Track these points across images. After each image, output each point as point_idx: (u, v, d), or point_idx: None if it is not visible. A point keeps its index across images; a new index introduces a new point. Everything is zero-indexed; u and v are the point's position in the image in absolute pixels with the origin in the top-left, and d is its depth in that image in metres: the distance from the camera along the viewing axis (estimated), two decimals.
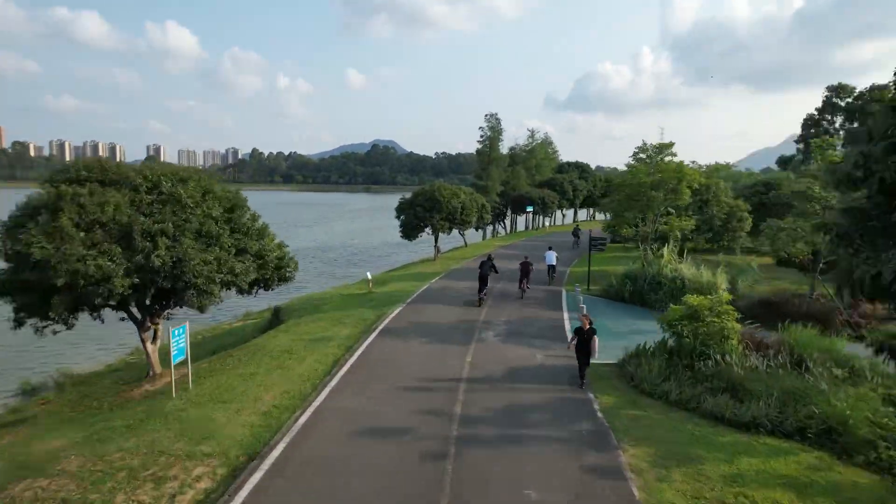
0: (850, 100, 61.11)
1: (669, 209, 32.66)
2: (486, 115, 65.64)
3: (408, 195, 42.85)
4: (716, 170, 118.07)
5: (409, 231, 40.88)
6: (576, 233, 53.31)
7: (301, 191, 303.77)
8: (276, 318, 26.69)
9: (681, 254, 31.27)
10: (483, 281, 25.90)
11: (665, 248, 27.66)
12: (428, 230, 41.29)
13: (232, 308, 33.86)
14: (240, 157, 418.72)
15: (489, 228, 68.42)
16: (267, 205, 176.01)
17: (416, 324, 21.59)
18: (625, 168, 37.40)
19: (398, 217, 41.80)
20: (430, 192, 40.52)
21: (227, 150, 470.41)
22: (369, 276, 29.06)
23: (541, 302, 26.60)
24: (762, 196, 39.80)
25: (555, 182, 72.01)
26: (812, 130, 63.94)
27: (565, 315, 23.68)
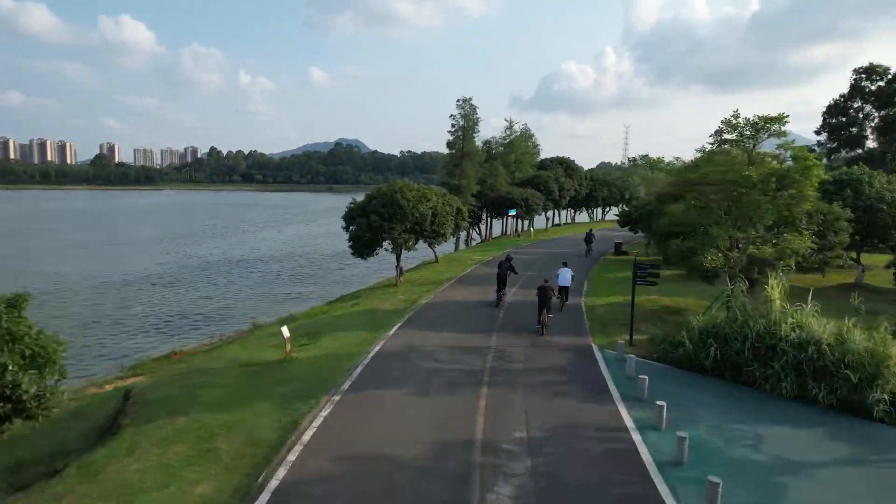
0: (882, 83, 52.02)
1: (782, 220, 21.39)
2: (458, 101, 54.71)
3: (361, 197, 31.63)
4: None
5: (362, 247, 29.66)
6: (589, 238, 44.04)
7: (261, 190, 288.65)
8: (123, 409, 15.23)
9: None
10: (502, 281, 25.21)
11: (773, 285, 16.76)
12: (387, 245, 30.05)
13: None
14: (199, 156, 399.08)
15: (462, 235, 57.55)
16: (216, 206, 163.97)
17: (350, 459, 10.55)
18: (671, 159, 26.77)
19: (346, 228, 30.48)
20: (390, 195, 29.36)
21: (185, 149, 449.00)
22: (286, 334, 17.78)
23: (570, 374, 15.88)
24: (832, 196, 29.85)
25: (538, 180, 61.55)
26: (836, 119, 54.71)
27: (624, 414, 12.98)
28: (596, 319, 22.91)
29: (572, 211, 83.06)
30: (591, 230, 48.00)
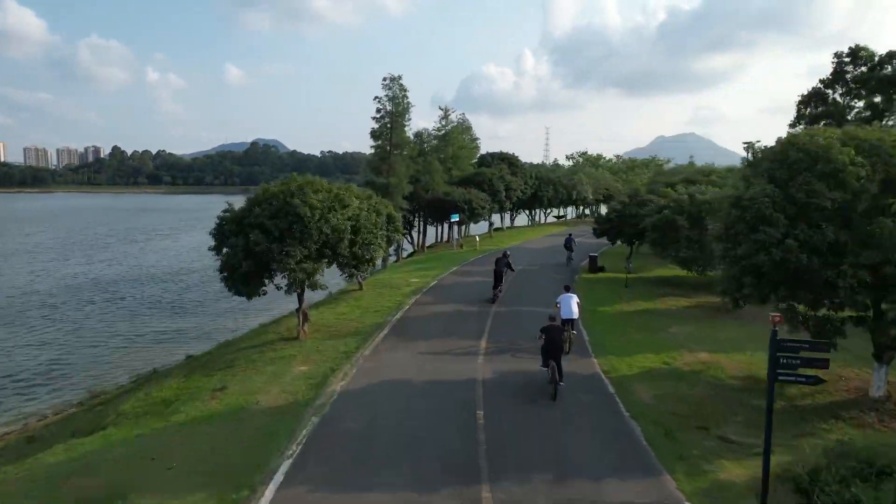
0: (864, 69, 45.37)
1: None
2: (384, 80, 43.67)
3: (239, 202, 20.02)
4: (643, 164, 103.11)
5: (237, 283, 18.10)
6: (569, 244, 36.97)
7: (169, 193, 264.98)
8: None
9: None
10: (498, 277, 24.99)
11: None
12: (281, 278, 18.61)
13: None
14: (102, 156, 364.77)
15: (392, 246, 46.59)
16: (109, 211, 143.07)
17: None
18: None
19: (216, 250, 18.85)
20: (283, 199, 17.95)
21: (86, 149, 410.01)
22: None
23: None
24: None
25: (481, 178, 51.48)
26: (813, 110, 47.70)
27: None
28: (645, 416, 12.74)
29: (512, 214, 73.81)
30: (570, 234, 39.40)
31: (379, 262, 18.66)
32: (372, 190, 41.72)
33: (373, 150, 45.01)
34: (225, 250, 18.26)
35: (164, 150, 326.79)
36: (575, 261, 36.69)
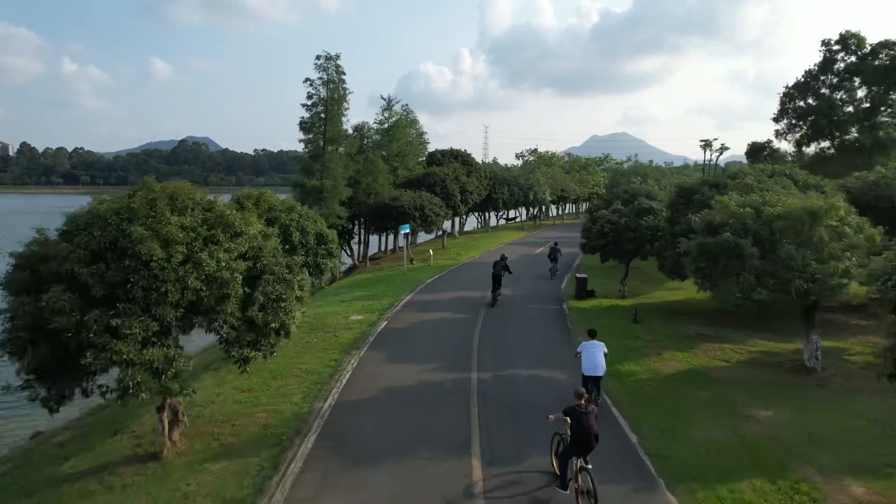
0: (853, 58, 40.59)
1: None
2: (317, 59, 35.33)
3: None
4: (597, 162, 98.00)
5: (34, 381, 9.71)
6: (554, 255, 33.11)
7: (88, 193, 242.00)
8: None
9: None
10: (497, 281, 24.89)
11: None
12: (110, 379, 10.26)
13: None
14: (10, 153, 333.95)
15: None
16: None
17: None
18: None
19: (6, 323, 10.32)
20: (113, 227, 9.69)
21: None
22: None
23: None
24: None
25: (432, 179, 43.80)
26: (802, 102, 42.64)
27: None
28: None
29: (461, 218, 66.34)
30: (555, 243, 34.78)
31: (293, 326, 11.41)
32: (303, 194, 33.52)
33: (304, 146, 36.51)
34: (8, 325, 9.84)
35: (81, 148, 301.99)
36: (561, 271, 33.19)
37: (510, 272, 26.04)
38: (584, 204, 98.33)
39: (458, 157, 53.39)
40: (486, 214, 66.36)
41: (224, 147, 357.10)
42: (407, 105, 51.18)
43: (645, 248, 25.90)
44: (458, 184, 45.57)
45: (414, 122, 51.33)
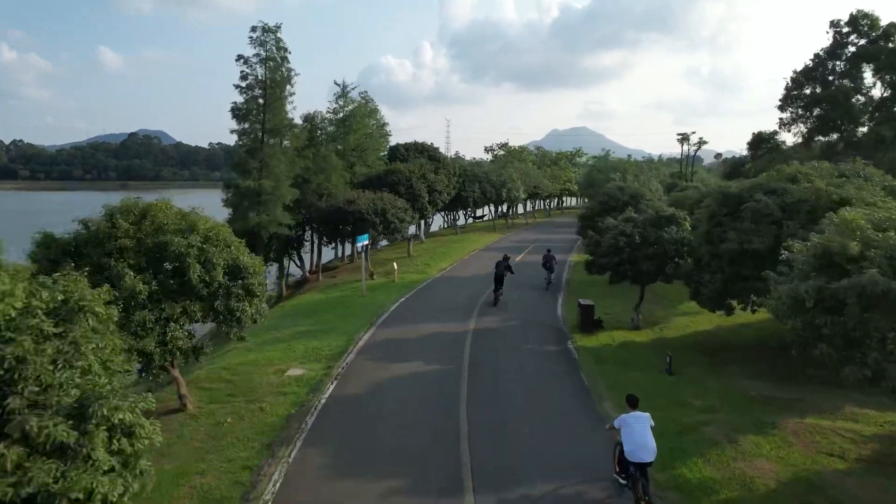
0: (864, 41, 35.99)
1: None
2: (252, 31, 28.57)
3: None
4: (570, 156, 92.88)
5: None
6: (549, 263, 29.21)
7: (25, 189, 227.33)
8: None
9: None
10: (499, 281, 24.60)
11: None
12: None
13: None
14: None
15: (273, 272, 31.93)
16: None
17: None
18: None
19: None
20: None
21: None
22: None
23: None
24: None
25: (396, 178, 37.43)
26: (811, 89, 37.90)
27: None
28: None
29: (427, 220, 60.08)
30: (549, 250, 30.09)
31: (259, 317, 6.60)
32: (238, 197, 26.99)
33: (238, 138, 29.66)
34: None
35: (21, 141, 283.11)
36: (555, 282, 29.50)
37: (512, 272, 25.57)
38: (555, 201, 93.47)
39: (424, 152, 47.13)
40: (455, 214, 60.33)
41: (179, 140, 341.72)
42: (366, 93, 44.69)
43: (668, 268, 20.29)
44: (426, 182, 39.38)
45: (374, 111, 44.81)
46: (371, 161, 42.52)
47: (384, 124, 45.94)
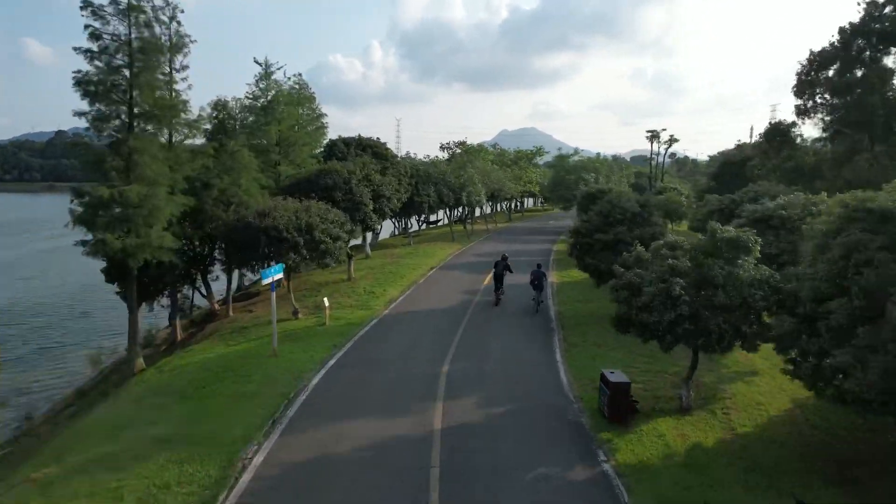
0: None
1: None
2: None
3: None
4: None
5: None
6: (539, 281, 23.71)
7: None
8: None
9: None
10: (499, 280, 24.55)
11: None
12: None
13: None
14: None
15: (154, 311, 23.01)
16: None
17: None
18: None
19: None
20: None
21: None
22: None
23: None
24: None
25: (330, 181, 28.72)
26: (819, 75, 31.48)
27: None
28: None
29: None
30: (539, 265, 24.83)
31: None
32: (89, 211, 18.15)
33: (89, 125, 20.43)
34: None
35: None
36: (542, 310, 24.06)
37: (511, 271, 25.26)
38: (515, 203, 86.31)
39: (370, 149, 38.59)
40: (406, 220, 51.90)
41: None
42: (300, 76, 35.83)
43: (752, 326, 12.66)
44: (370, 186, 30.89)
45: (307, 98, 35.95)
46: (302, 159, 33.70)
47: (320, 115, 37.16)
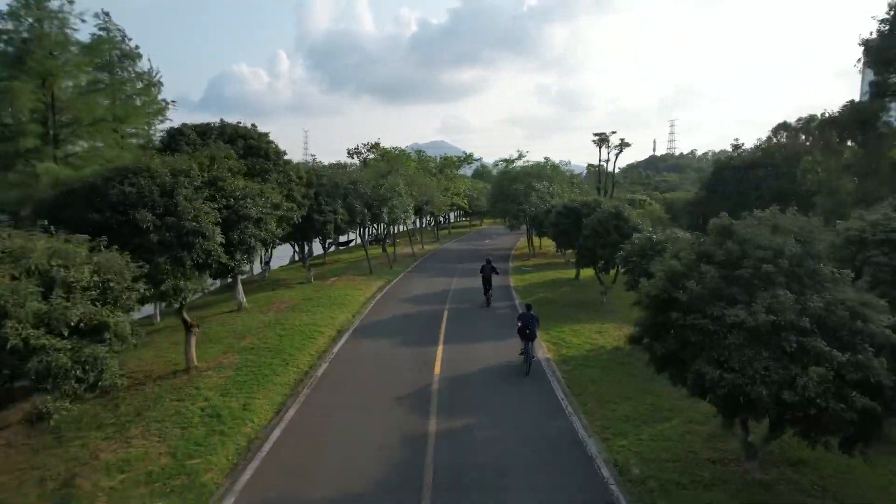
0: None
1: None
2: None
3: None
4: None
5: None
6: (530, 327, 16.53)
7: None
8: None
9: None
10: (487, 282, 25.52)
11: None
12: None
13: None
14: None
15: None
16: None
17: None
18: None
19: None
20: None
21: None
22: None
23: None
24: None
25: (132, 191, 14.23)
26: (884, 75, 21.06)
27: None
28: None
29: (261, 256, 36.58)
30: (529, 307, 18.05)
31: None
32: None
33: None
34: None
35: None
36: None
37: (497, 273, 26.43)
38: (439, 217, 73.56)
39: (240, 140, 24.15)
40: (305, 244, 37.40)
41: None
42: (108, 15, 20.96)
43: None
44: (226, 201, 16.67)
45: (125, 53, 21.17)
46: (112, 142, 18.86)
47: (154, 76, 22.38)
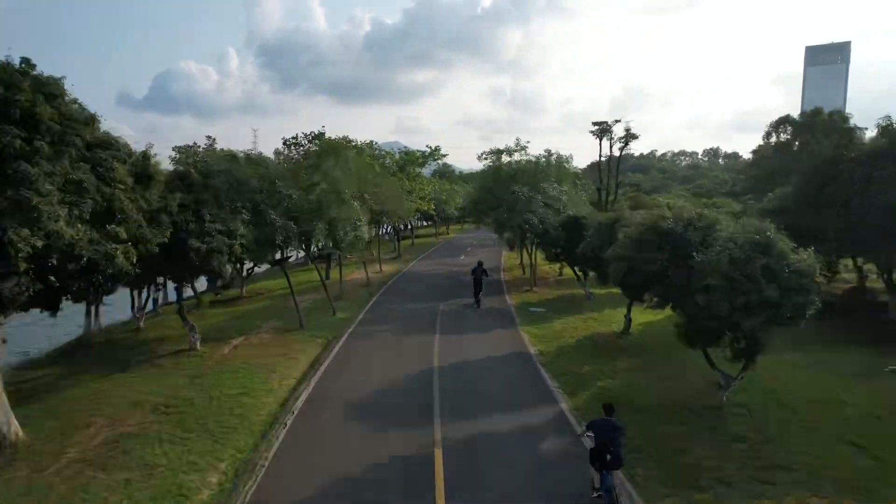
0: None
1: None
2: None
3: None
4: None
5: None
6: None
7: None
8: None
9: None
10: (477, 285, 26.17)
11: None
12: None
13: None
14: None
15: None
16: None
17: None
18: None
19: None
20: None
21: None
22: None
23: None
24: None
25: None
26: None
27: None
28: None
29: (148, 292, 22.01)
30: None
31: None
32: None
33: None
34: None
35: None
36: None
37: (487, 275, 27.05)
38: (394, 227, 60.01)
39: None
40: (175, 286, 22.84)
41: None
42: None
43: None
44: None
45: None
46: None
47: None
